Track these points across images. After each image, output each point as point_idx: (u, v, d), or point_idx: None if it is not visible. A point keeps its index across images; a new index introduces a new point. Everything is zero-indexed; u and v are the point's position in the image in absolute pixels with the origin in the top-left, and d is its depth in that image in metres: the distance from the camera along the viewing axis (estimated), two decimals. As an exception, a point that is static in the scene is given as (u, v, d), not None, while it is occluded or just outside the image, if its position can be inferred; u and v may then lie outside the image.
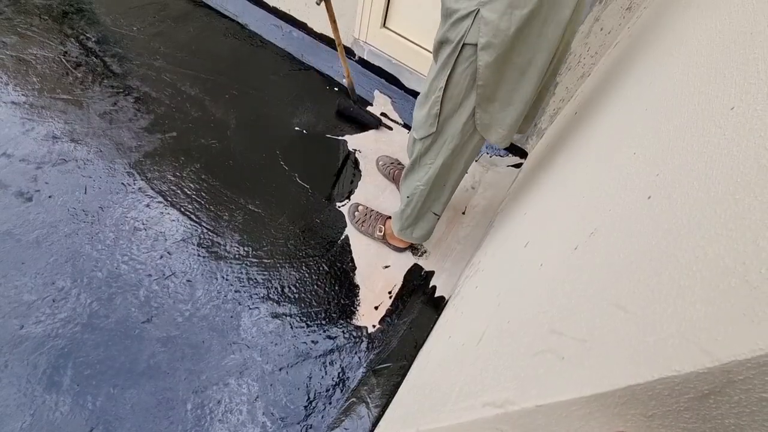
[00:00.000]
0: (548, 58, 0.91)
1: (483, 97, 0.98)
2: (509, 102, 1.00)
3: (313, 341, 1.41)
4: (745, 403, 0.23)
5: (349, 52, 2.14)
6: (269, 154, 1.83)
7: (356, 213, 1.66)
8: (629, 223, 0.45)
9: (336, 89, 2.12)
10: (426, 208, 1.35)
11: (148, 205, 1.59)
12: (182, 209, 1.61)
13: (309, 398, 1.32)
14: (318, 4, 1.29)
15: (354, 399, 1.32)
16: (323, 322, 1.45)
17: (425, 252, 1.67)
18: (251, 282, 1.49)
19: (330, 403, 1.32)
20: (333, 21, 1.41)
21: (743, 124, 0.36)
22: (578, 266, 0.51)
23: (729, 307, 0.24)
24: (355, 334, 1.45)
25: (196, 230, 1.57)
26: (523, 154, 1.92)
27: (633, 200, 0.48)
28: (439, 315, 1.48)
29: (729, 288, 0.25)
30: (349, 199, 1.75)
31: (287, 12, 2.21)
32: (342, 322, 1.46)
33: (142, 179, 1.66)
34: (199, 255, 1.51)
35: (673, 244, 0.35)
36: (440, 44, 0.99)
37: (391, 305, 1.53)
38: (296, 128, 1.93)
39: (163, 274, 1.45)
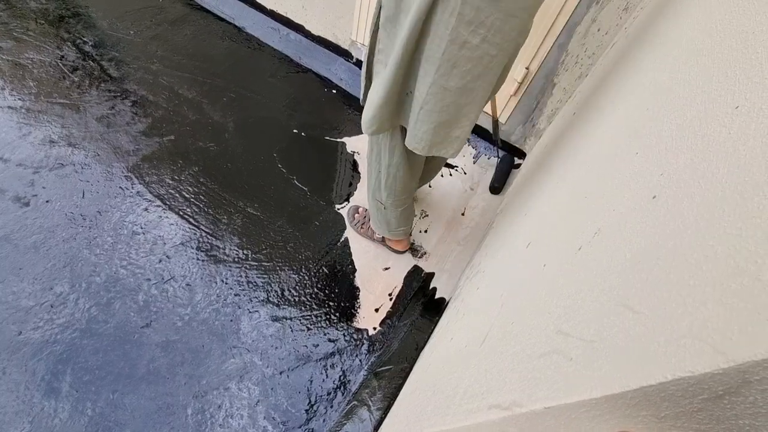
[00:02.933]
0: (400, 51, 0.83)
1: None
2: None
3: (313, 344, 1.40)
4: (761, 403, 0.22)
5: (346, 54, 2.15)
6: (267, 156, 1.82)
7: (356, 215, 1.66)
8: (634, 223, 0.45)
9: (334, 91, 2.12)
10: (372, 196, 1.36)
11: (146, 209, 1.59)
12: (181, 213, 1.60)
13: (310, 402, 1.31)
14: None
15: (355, 402, 1.31)
16: (323, 324, 1.45)
17: (425, 253, 1.67)
18: (251, 285, 1.48)
19: (331, 407, 1.31)
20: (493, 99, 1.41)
21: (749, 123, 0.36)
22: (583, 266, 0.51)
23: (742, 307, 0.24)
24: (355, 336, 1.45)
25: (195, 234, 1.56)
26: (521, 155, 1.92)
27: (637, 200, 0.47)
28: (440, 317, 1.48)
29: (741, 287, 0.25)
30: (348, 201, 1.75)
31: (284, 15, 2.21)
32: (342, 324, 1.46)
33: (140, 183, 1.65)
34: (198, 259, 1.50)
35: (681, 243, 0.34)
36: None
37: (391, 307, 1.53)
38: (294, 130, 1.93)
39: (162, 279, 1.45)
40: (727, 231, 0.30)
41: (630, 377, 0.30)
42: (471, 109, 0.91)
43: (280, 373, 1.34)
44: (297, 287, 1.51)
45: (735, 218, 0.30)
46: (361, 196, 1.78)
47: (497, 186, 1.84)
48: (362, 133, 1.97)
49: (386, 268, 1.61)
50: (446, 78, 0.83)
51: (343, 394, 1.34)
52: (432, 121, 0.91)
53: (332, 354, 1.40)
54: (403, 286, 1.58)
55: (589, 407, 0.34)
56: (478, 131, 1.97)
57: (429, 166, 1.42)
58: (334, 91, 2.12)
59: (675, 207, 0.39)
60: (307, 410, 1.29)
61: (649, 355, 0.30)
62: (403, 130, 1.04)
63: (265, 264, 1.53)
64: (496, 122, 1.68)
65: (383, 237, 1.60)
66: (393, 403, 1.28)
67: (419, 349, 1.40)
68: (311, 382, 1.34)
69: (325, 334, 1.43)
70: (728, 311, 0.25)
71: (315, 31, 2.17)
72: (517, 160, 1.94)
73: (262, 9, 2.28)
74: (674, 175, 0.43)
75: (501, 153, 1.92)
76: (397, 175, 1.20)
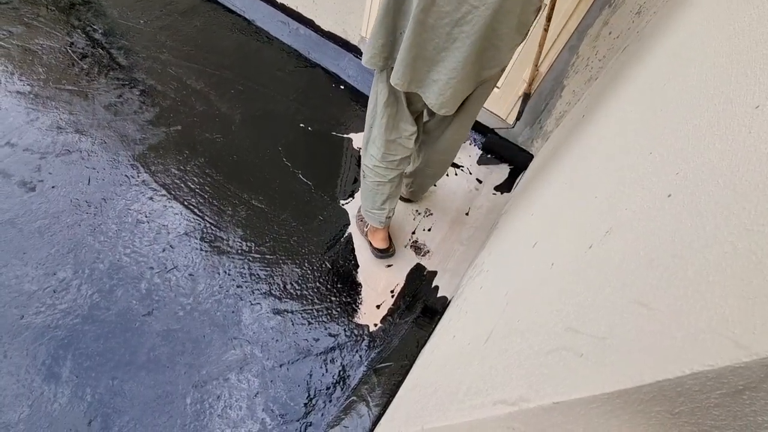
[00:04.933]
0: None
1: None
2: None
3: (314, 338, 1.40)
4: (784, 398, 0.22)
5: (355, 50, 2.14)
6: (273, 150, 1.82)
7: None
8: (648, 221, 0.44)
9: (342, 87, 2.11)
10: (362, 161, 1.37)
11: (151, 198, 1.59)
12: (185, 203, 1.60)
13: (309, 395, 1.31)
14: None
15: (354, 397, 1.31)
16: (325, 319, 1.45)
17: (428, 252, 1.67)
18: (253, 277, 1.48)
19: (330, 401, 1.31)
20: (538, 57, 1.39)
21: (771, 122, 0.35)
22: (593, 265, 0.51)
23: (765, 301, 0.24)
24: (356, 332, 1.45)
25: (199, 224, 1.56)
26: (528, 156, 1.92)
27: (651, 199, 0.47)
28: (441, 315, 1.48)
29: (764, 282, 0.25)
30: (353, 198, 1.75)
31: (295, 9, 2.21)
32: (343, 320, 1.46)
33: (146, 172, 1.65)
34: (201, 249, 1.51)
35: (698, 240, 0.34)
36: None
37: (393, 304, 1.53)
38: (301, 125, 1.93)
39: (165, 268, 1.45)
40: (747, 227, 0.29)
41: (645, 372, 0.30)
42: (449, 57, 0.94)
43: (280, 366, 1.34)
44: (299, 281, 1.50)
45: (756, 215, 0.29)
46: (365, 193, 1.77)
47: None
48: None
49: (389, 265, 1.61)
50: (425, 14, 0.87)
51: (342, 389, 1.34)
52: (411, 57, 0.95)
53: (332, 349, 1.40)
54: (405, 284, 1.58)
55: (600, 402, 0.34)
56: (482, 129, 1.96)
57: (434, 159, 1.40)
58: (342, 87, 2.12)
59: (692, 205, 0.39)
60: (305, 404, 1.29)
61: (665, 351, 0.29)
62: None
63: (268, 257, 1.53)
64: (527, 96, 1.59)
65: (367, 231, 1.60)
66: (392, 399, 1.28)
67: (420, 346, 1.39)
68: (311, 376, 1.34)
69: (325, 329, 1.43)
70: (751, 306, 0.24)
71: (325, 27, 2.17)
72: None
73: (272, 2, 2.28)
74: (691, 174, 0.43)
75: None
76: (379, 134, 1.21)
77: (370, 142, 1.27)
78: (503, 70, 1.04)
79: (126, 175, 1.63)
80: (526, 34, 0.95)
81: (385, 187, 1.36)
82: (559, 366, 0.43)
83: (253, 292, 1.45)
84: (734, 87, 0.46)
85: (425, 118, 1.32)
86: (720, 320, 0.26)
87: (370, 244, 1.60)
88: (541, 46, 1.45)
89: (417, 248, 1.67)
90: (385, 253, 1.58)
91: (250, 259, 1.52)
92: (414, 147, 1.27)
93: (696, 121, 0.50)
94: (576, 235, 0.64)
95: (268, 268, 1.51)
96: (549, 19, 1.38)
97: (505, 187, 1.88)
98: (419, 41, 0.92)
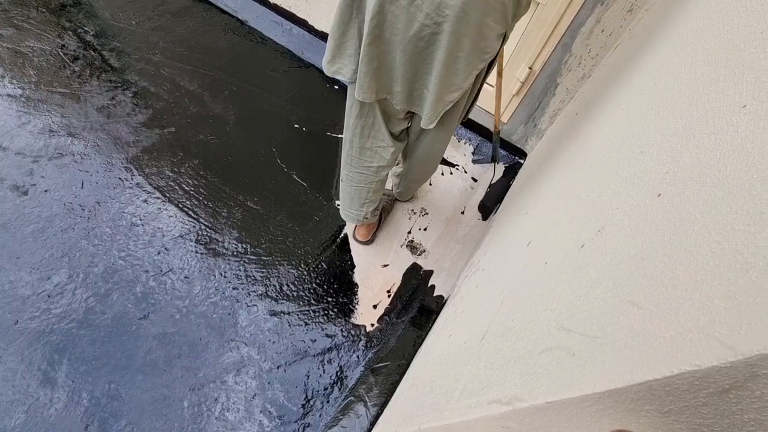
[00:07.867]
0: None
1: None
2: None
3: (311, 339, 1.40)
4: (768, 397, 0.23)
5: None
6: (267, 150, 1.82)
7: None
8: (639, 221, 0.45)
9: (336, 87, 2.11)
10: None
11: (145, 201, 1.58)
12: (180, 205, 1.59)
13: (307, 397, 1.31)
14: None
15: (352, 398, 1.31)
16: (321, 320, 1.45)
17: (424, 251, 1.67)
18: (249, 279, 1.48)
19: (328, 402, 1.31)
20: (498, 105, 1.41)
21: (757, 122, 0.36)
22: (586, 264, 0.51)
23: (751, 301, 0.24)
24: (353, 332, 1.45)
25: (194, 226, 1.55)
26: (522, 155, 1.93)
27: (642, 198, 0.47)
28: (438, 314, 1.48)
29: (750, 282, 0.25)
30: (349, 198, 1.75)
31: (288, 9, 2.20)
32: (340, 320, 1.46)
33: (139, 174, 1.64)
34: (196, 251, 1.50)
35: (687, 240, 0.34)
36: None
37: (389, 304, 1.53)
38: (295, 125, 1.92)
39: (161, 271, 1.44)
40: (734, 227, 0.30)
41: (635, 372, 0.30)
42: (410, 71, 0.94)
43: (278, 368, 1.34)
44: (295, 282, 1.50)
45: (743, 215, 0.30)
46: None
47: (487, 206, 1.74)
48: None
49: (385, 265, 1.61)
50: (380, 29, 0.87)
51: (339, 389, 1.34)
52: (370, 70, 0.95)
53: (330, 349, 1.40)
54: (401, 283, 1.58)
55: (592, 402, 0.34)
56: (478, 128, 1.97)
57: (415, 167, 1.40)
58: (336, 87, 2.11)
59: (680, 204, 0.39)
60: (303, 405, 1.30)
61: (654, 350, 0.30)
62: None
63: (264, 258, 1.53)
64: (497, 134, 1.63)
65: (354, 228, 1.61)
66: (389, 399, 1.28)
67: (416, 345, 1.40)
68: (308, 377, 1.34)
69: (322, 330, 1.43)
70: (736, 306, 0.25)
71: (318, 26, 2.16)
72: (517, 160, 1.94)
73: (265, 2, 2.27)
74: (680, 173, 0.43)
75: (498, 170, 1.89)
76: (353, 140, 1.20)
77: (344, 150, 1.25)
78: (466, 95, 1.03)
79: (120, 178, 1.62)
80: (491, 62, 0.95)
81: (362, 192, 1.33)
82: (552, 365, 0.43)
83: (250, 294, 1.45)
84: (723, 85, 0.46)
85: (407, 124, 1.30)
86: (707, 320, 0.26)
87: (357, 240, 1.63)
88: (498, 98, 1.47)
89: (413, 248, 1.67)
90: (364, 243, 1.63)
91: (246, 260, 1.51)
92: (392, 159, 1.25)
93: (685, 119, 0.50)
94: (568, 234, 0.64)
95: (264, 270, 1.51)
96: (500, 74, 1.41)
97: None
98: (376, 54, 0.92)
